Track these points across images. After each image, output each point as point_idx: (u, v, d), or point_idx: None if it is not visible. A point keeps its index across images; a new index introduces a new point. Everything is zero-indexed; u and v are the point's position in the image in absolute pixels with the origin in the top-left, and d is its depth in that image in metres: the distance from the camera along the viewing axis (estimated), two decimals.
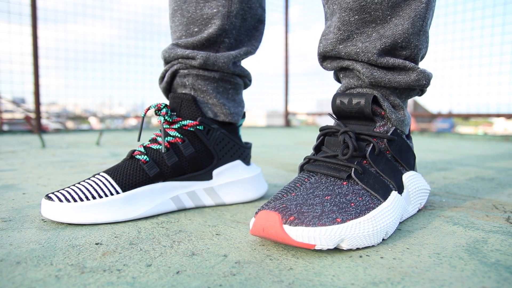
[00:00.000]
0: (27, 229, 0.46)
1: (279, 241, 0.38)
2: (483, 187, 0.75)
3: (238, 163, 0.63)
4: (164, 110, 0.57)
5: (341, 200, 0.42)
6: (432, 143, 1.95)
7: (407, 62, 0.51)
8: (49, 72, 2.63)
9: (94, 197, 0.49)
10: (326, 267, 0.35)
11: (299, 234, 0.37)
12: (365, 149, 0.48)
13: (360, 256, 0.38)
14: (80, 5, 2.76)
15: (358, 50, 0.51)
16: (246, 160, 0.65)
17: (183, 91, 0.61)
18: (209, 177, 0.59)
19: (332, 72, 0.60)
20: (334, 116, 0.53)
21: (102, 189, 0.50)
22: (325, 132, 0.51)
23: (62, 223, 0.48)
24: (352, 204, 0.42)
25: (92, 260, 0.36)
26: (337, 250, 0.40)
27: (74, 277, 0.33)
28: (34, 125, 2.28)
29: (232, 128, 0.63)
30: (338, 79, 0.60)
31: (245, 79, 0.67)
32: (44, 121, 2.62)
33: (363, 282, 0.32)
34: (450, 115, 3.00)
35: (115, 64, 2.93)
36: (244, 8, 0.62)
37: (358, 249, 0.40)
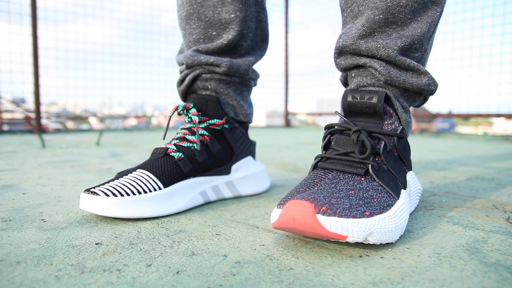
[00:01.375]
0: (27, 229, 0.46)
1: (311, 231, 0.37)
2: (483, 187, 0.75)
3: (250, 158, 0.68)
4: (194, 110, 0.60)
5: (364, 195, 0.42)
6: (432, 143, 1.95)
7: (420, 65, 0.53)
8: (49, 72, 2.63)
9: (139, 192, 0.51)
10: (326, 267, 0.35)
11: (333, 224, 0.37)
12: (377, 147, 0.48)
13: (360, 256, 0.38)
14: (80, 5, 2.76)
15: (378, 46, 0.52)
16: (254, 156, 0.70)
17: (206, 93, 0.64)
18: (228, 171, 0.63)
19: (340, 74, 0.60)
20: (341, 114, 0.53)
21: (146, 185, 0.52)
22: (332, 130, 0.51)
23: (63, 223, 0.48)
24: (375, 200, 0.42)
25: (92, 260, 0.36)
26: (337, 250, 0.40)
27: (74, 277, 0.33)
28: (34, 125, 2.28)
29: (245, 126, 0.68)
30: (345, 81, 0.60)
31: (255, 81, 0.71)
32: (44, 121, 2.62)
33: (363, 282, 0.32)
34: (450, 115, 3.00)
35: (115, 64, 2.94)
36: (258, 10, 0.65)
37: (358, 249, 0.40)
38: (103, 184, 0.51)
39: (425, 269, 0.35)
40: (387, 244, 0.42)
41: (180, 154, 0.57)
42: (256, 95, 3.72)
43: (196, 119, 0.59)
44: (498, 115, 2.42)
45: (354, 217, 0.38)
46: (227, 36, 0.63)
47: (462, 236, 0.45)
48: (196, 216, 0.53)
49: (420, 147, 1.70)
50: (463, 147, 1.73)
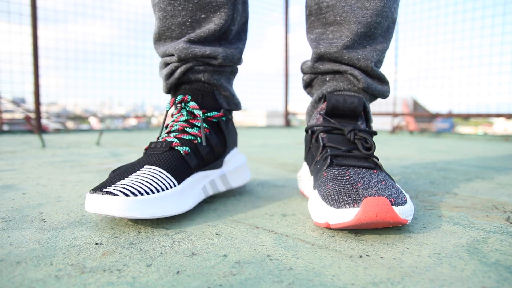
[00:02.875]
0: (27, 229, 0.46)
1: (390, 221, 0.41)
2: (483, 187, 0.75)
3: (236, 150, 0.67)
4: (193, 103, 0.57)
5: (389, 183, 0.47)
6: (432, 143, 1.95)
7: (385, 76, 0.62)
8: (49, 72, 2.63)
9: (158, 190, 0.47)
10: (326, 267, 0.35)
11: (402, 212, 0.42)
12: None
13: (360, 256, 0.38)
14: (80, 5, 2.76)
15: (359, 57, 0.58)
16: (237, 147, 0.69)
17: (198, 84, 0.61)
18: (220, 164, 0.62)
19: (305, 75, 0.67)
20: (326, 117, 0.59)
21: (162, 182, 0.48)
22: (328, 129, 0.57)
23: (63, 223, 0.48)
24: (396, 186, 0.48)
25: (92, 260, 0.36)
26: (337, 250, 0.40)
27: (74, 277, 0.33)
28: (34, 125, 2.28)
29: (232, 117, 0.67)
30: (310, 82, 0.66)
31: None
32: (44, 121, 2.62)
33: (363, 282, 0.32)
34: (450, 115, 3.00)
35: (115, 64, 2.94)
36: None
37: (358, 249, 0.40)
38: (110, 183, 0.46)
39: (425, 269, 0.35)
40: (387, 244, 0.42)
41: (187, 148, 0.54)
42: (256, 95, 3.72)
43: (199, 113, 0.56)
44: (498, 115, 2.42)
45: (404, 203, 0.44)
46: (219, 20, 0.59)
47: (462, 236, 0.45)
48: (196, 216, 0.53)
49: (420, 147, 1.70)
50: (463, 147, 1.73)
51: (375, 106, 3.26)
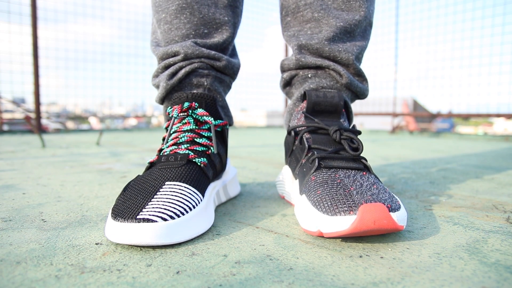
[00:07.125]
0: (27, 229, 0.46)
1: (387, 229, 0.39)
2: (483, 187, 0.75)
3: (229, 160, 0.67)
4: (201, 110, 0.55)
5: (380, 187, 0.46)
6: (432, 143, 1.95)
7: (365, 74, 0.62)
8: (49, 72, 2.63)
9: (190, 208, 0.44)
10: (326, 267, 0.35)
11: (399, 218, 0.41)
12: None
13: (360, 256, 0.38)
14: (80, 5, 2.76)
15: (340, 49, 0.59)
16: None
17: (198, 91, 0.60)
18: (221, 175, 0.61)
19: (284, 73, 0.66)
20: (309, 115, 0.57)
21: (191, 199, 0.45)
22: (312, 130, 0.55)
23: (63, 223, 0.48)
24: (387, 189, 0.46)
25: (92, 260, 0.36)
26: (336, 250, 0.40)
27: (74, 277, 0.33)
28: (34, 125, 2.28)
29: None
30: (290, 80, 0.65)
31: None
32: (44, 121, 2.62)
33: (363, 282, 0.32)
34: (450, 115, 3.00)
35: (115, 64, 2.94)
36: (240, 21, 0.67)
37: (358, 249, 0.40)
38: (137, 207, 0.41)
39: (425, 269, 0.35)
40: (387, 243, 0.42)
41: (204, 159, 0.52)
42: (256, 95, 3.72)
43: (211, 119, 0.54)
44: (498, 115, 2.43)
45: (399, 208, 0.42)
46: (222, 36, 0.62)
47: (462, 236, 0.45)
48: None
49: (420, 147, 1.70)
50: (463, 147, 1.73)
51: (375, 106, 3.26)
